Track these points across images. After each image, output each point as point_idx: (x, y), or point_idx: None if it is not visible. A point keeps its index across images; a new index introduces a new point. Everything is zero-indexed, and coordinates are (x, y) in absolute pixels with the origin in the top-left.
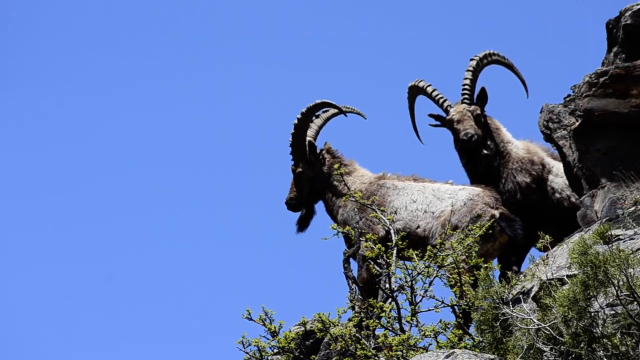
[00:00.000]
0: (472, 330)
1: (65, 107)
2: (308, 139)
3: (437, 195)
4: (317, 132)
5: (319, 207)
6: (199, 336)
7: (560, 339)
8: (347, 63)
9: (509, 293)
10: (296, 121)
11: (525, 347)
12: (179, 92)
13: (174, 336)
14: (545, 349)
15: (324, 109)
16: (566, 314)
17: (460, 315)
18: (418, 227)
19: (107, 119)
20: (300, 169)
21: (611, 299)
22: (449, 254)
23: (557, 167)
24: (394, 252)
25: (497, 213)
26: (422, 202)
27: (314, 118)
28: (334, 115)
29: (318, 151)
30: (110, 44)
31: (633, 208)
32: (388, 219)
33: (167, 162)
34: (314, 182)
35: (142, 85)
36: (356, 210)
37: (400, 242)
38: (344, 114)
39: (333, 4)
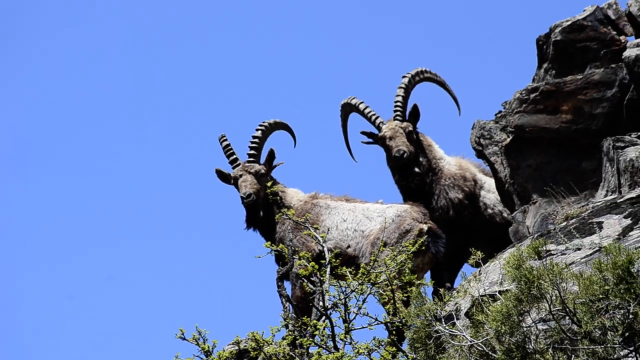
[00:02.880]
0: (405, 347)
1: (63, 106)
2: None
3: (367, 215)
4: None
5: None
6: (131, 356)
7: (493, 355)
8: (279, 80)
9: (442, 310)
10: (266, 125)
11: None
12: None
13: (107, 357)
14: None
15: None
16: (499, 328)
17: (394, 332)
18: (348, 246)
19: (109, 121)
20: (263, 171)
21: (544, 314)
22: (382, 271)
23: (489, 183)
24: (328, 270)
25: (425, 227)
26: (352, 222)
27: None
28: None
29: (275, 163)
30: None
31: (564, 223)
32: (321, 237)
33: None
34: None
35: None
36: (290, 228)
37: (333, 260)
38: (294, 140)
39: (268, 20)
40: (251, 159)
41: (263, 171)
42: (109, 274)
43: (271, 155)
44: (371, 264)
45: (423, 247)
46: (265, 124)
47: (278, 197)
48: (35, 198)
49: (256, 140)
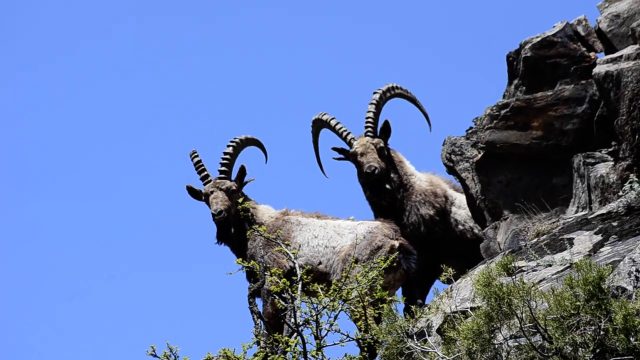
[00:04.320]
0: None
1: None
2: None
3: (338, 231)
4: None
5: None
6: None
7: None
8: (250, 95)
9: (414, 327)
10: (239, 141)
11: None
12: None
13: (67, 331)
14: None
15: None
16: (470, 346)
17: (366, 349)
18: (320, 263)
19: (107, 118)
20: (234, 188)
21: (514, 331)
22: (353, 288)
23: (460, 199)
24: (299, 286)
25: (396, 243)
26: (323, 238)
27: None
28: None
29: (246, 180)
30: None
31: (535, 240)
32: (293, 253)
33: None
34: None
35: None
36: (261, 244)
37: (305, 277)
38: (265, 156)
39: (237, 36)
40: (222, 176)
41: (234, 188)
42: (109, 273)
43: (242, 171)
44: (342, 280)
45: (394, 264)
46: (237, 140)
47: (249, 214)
48: (36, 200)
49: (227, 156)
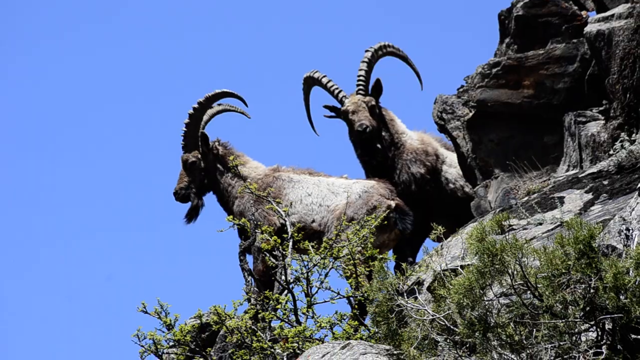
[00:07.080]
0: (367, 321)
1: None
2: (200, 130)
3: (332, 190)
4: (206, 123)
5: (208, 198)
6: (93, 330)
7: (455, 329)
8: (240, 52)
9: (404, 284)
10: (192, 110)
11: (419, 337)
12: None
13: (68, 330)
14: (439, 339)
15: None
16: (461, 301)
17: (356, 306)
18: (313, 221)
19: (104, 115)
20: (193, 159)
21: (505, 288)
22: (344, 245)
23: (451, 157)
24: (290, 244)
25: (392, 204)
26: (317, 196)
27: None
28: (224, 110)
29: (211, 143)
30: None
31: (526, 198)
32: (284, 211)
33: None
34: (206, 173)
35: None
36: (252, 202)
37: (295, 234)
38: (245, 104)
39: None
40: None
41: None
42: (109, 273)
43: (204, 138)
44: (334, 238)
45: (386, 222)
46: (207, 96)
47: (237, 173)
48: (31, 198)
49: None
